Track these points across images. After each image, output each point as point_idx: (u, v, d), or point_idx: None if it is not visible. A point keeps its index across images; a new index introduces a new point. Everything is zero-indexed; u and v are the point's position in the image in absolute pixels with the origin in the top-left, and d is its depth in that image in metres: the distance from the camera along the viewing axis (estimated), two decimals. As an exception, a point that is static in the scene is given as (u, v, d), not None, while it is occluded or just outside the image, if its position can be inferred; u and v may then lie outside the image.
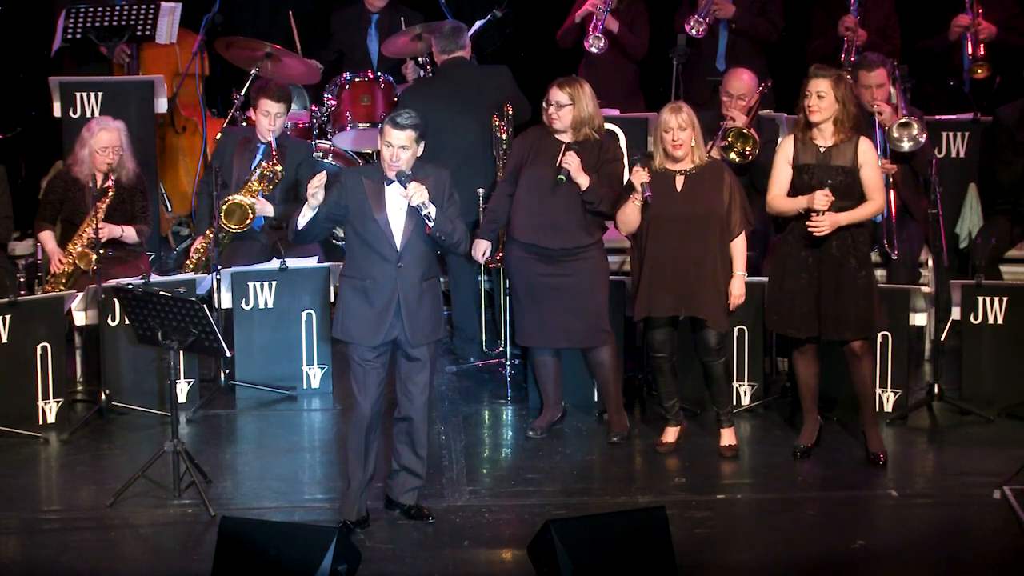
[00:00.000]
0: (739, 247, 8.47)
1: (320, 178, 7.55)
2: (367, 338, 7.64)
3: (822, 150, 8.36)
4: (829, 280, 8.36)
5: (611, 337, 8.80)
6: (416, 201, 7.47)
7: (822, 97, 8.31)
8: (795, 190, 8.39)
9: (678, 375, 8.74)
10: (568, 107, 8.63)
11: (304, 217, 7.58)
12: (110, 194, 9.54)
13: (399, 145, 7.51)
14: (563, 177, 8.53)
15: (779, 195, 8.44)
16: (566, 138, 8.66)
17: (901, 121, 9.25)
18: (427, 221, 7.48)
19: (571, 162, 8.53)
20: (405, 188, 7.49)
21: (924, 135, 9.26)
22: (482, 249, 8.92)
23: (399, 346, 7.69)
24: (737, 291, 8.47)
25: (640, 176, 8.38)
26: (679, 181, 8.46)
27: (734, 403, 8.94)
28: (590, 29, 10.83)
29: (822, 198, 8.25)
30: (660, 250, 8.45)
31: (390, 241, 7.57)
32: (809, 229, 8.27)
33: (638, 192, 8.37)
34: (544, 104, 8.71)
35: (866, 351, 8.48)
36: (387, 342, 7.66)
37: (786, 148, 8.46)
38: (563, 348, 8.88)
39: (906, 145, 9.20)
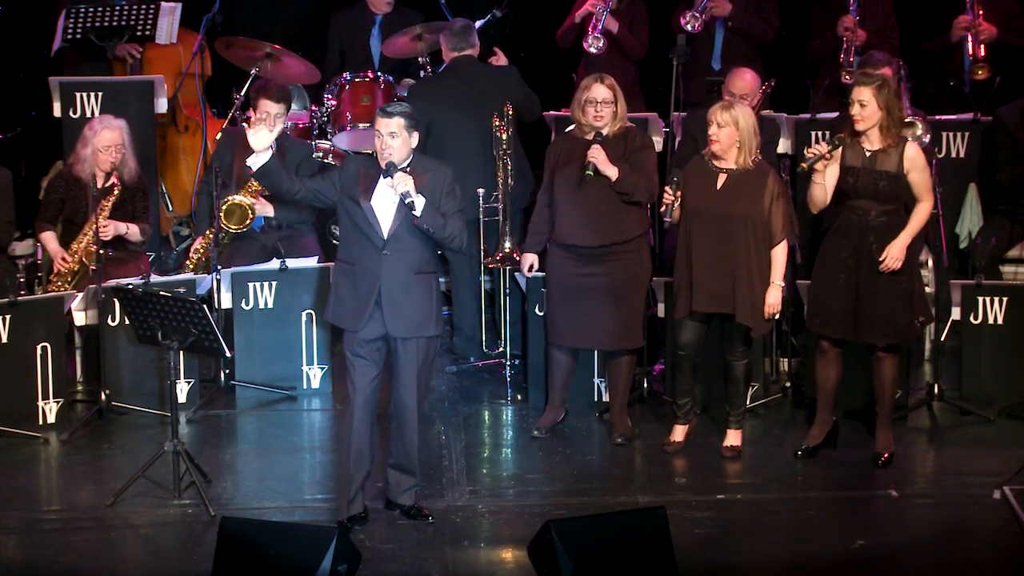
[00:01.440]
0: (779, 255, 8.43)
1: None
2: (350, 322, 7.69)
3: (868, 154, 8.33)
4: (867, 282, 8.35)
5: (640, 340, 8.80)
6: (401, 190, 7.51)
7: (864, 105, 8.26)
8: (843, 191, 8.38)
9: (697, 375, 8.73)
10: (612, 103, 8.62)
11: (257, 159, 7.64)
12: (115, 192, 9.55)
13: (387, 132, 7.56)
14: (591, 172, 8.51)
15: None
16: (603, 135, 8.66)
17: (906, 121, 9.25)
18: (411, 211, 7.50)
19: (596, 155, 8.52)
20: (392, 178, 7.53)
21: (928, 136, 9.25)
22: (528, 263, 8.90)
23: (389, 341, 7.70)
24: (772, 299, 8.44)
25: (667, 197, 8.44)
26: (720, 179, 8.46)
27: (746, 406, 8.91)
28: (589, 29, 10.82)
29: (814, 149, 8.29)
30: (697, 246, 8.45)
31: (376, 228, 7.61)
32: (882, 270, 8.28)
33: (662, 210, 8.45)
34: (583, 102, 8.66)
35: (890, 356, 8.47)
36: (377, 337, 7.67)
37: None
38: (593, 349, 8.90)
39: None
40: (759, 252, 8.42)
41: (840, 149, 8.34)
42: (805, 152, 8.39)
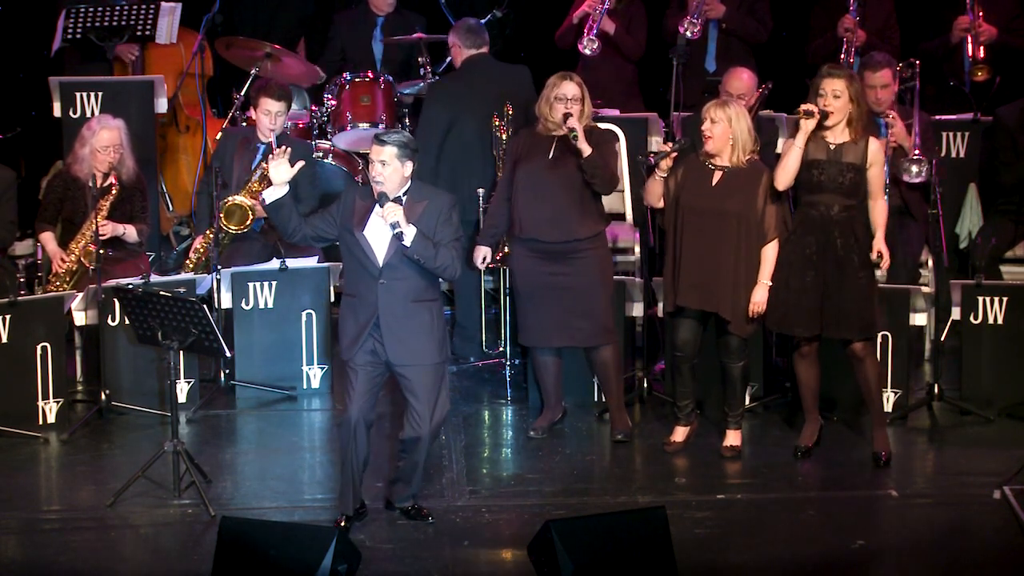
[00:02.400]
0: (769, 253, 8.43)
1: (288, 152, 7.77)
2: (346, 350, 7.70)
3: (832, 147, 8.37)
4: (833, 278, 8.37)
5: (615, 336, 8.81)
6: (390, 220, 7.51)
7: (838, 96, 8.31)
8: (804, 185, 8.40)
9: (696, 376, 8.73)
10: (580, 100, 8.63)
11: (273, 193, 7.66)
12: (113, 192, 9.55)
13: (379, 160, 7.56)
14: (575, 134, 8.51)
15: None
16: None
17: (914, 157, 9.29)
18: (400, 241, 7.52)
19: (576, 125, 8.54)
20: (383, 208, 7.54)
21: (926, 176, 9.25)
22: (481, 256, 8.90)
23: (393, 368, 7.69)
24: (758, 298, 8.44)
25: (662, 147, 8.54)
26: (716, 176, 8.48)
27: (745, 406, 8.92)
28: (585, 30, 10.83)
29: (808, 108, 8.33)
30: (688, 242, 8.47)
31: (371, 257, 7.60)
32: (882, 270, 8.34)
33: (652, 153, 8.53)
34: (552, 100, 8.67)
35: (868, 352, 8.48)
36: (377, 357, 7.65)
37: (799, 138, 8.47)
38: (567, 347, 8.89)
39: (913, 171, 9.24)
40: (750, 251, 8.43)
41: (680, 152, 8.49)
42: (653, 149, 8.52)
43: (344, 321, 7.75)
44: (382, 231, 7.60)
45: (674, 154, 8.54)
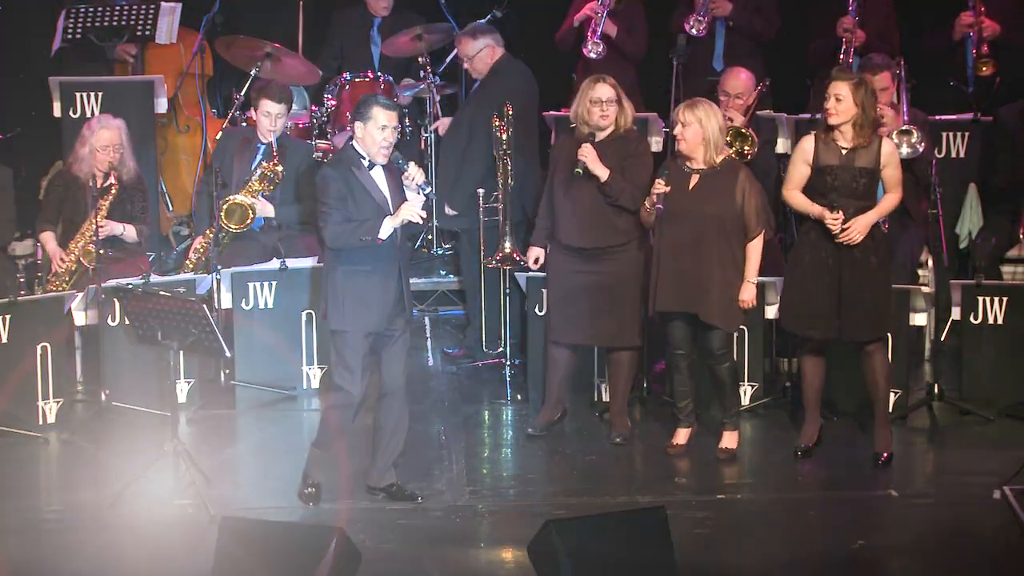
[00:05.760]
0: (753, 250, 8.43)
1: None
2: (381, 321, 7.79)
3: (844, 152, 8.35)
4: (851, 281, 8.35)
5: (639, 340, 8.80)
6: (420, 180, 7.68)
7: (840, 100, 8.29)
8: (817, 191, 8.39)
9: (695, 374, 8.72)
10: (615, 101, 8.64)
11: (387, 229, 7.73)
12: (113, 192, 9.55)
13: (393, 126, 7.70)
14: (580, 170, 8.56)
15: (795, 191, 8.47)
16: (605, 136, 8.65)
17: (902, 128, 9.26)
18: (429, 196, 7.78)
19: (587, 154, 8.55)
20: (406, 169, 7.70)
21: (923, 144, 9.24)
22: (534, 256, 8.96)
23: (384, 331, 7.86)
24: (746, 296, 8.43)
25: (659, 187, 8.43)
26: (693, 180, 8.47)
27: (740, 407, 8.92)
28: (588, 34, 10.82)
29: (832, 222, 8.28)
30: (669, 246, 8.47)
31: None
32: (841, 240, 8.27)
33: (653, 200, 8.42)
34: (588, 104, 8.68)
35: (878, 351, 8.48)
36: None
37: (805, 146, 8.45)
38: (590, 346, 8.92)
39: (904, 151, 9.20)
40: (732, 250, 8.43)
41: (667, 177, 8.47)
42: (654, 192, 8.46)
43: (367, 297, 7.74)
44: (388, 194, 7.77)
45: (667, 188, 8.48)
